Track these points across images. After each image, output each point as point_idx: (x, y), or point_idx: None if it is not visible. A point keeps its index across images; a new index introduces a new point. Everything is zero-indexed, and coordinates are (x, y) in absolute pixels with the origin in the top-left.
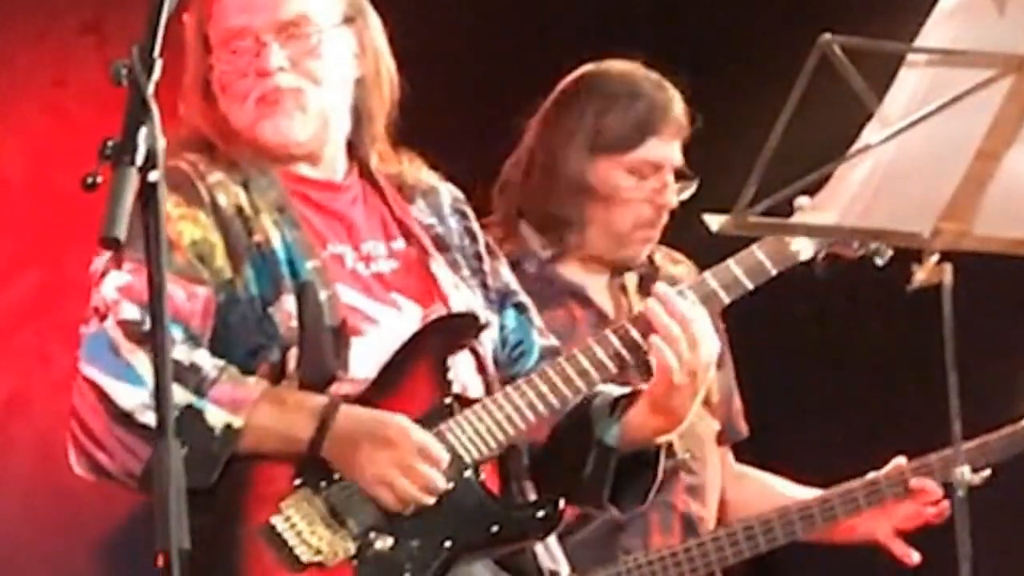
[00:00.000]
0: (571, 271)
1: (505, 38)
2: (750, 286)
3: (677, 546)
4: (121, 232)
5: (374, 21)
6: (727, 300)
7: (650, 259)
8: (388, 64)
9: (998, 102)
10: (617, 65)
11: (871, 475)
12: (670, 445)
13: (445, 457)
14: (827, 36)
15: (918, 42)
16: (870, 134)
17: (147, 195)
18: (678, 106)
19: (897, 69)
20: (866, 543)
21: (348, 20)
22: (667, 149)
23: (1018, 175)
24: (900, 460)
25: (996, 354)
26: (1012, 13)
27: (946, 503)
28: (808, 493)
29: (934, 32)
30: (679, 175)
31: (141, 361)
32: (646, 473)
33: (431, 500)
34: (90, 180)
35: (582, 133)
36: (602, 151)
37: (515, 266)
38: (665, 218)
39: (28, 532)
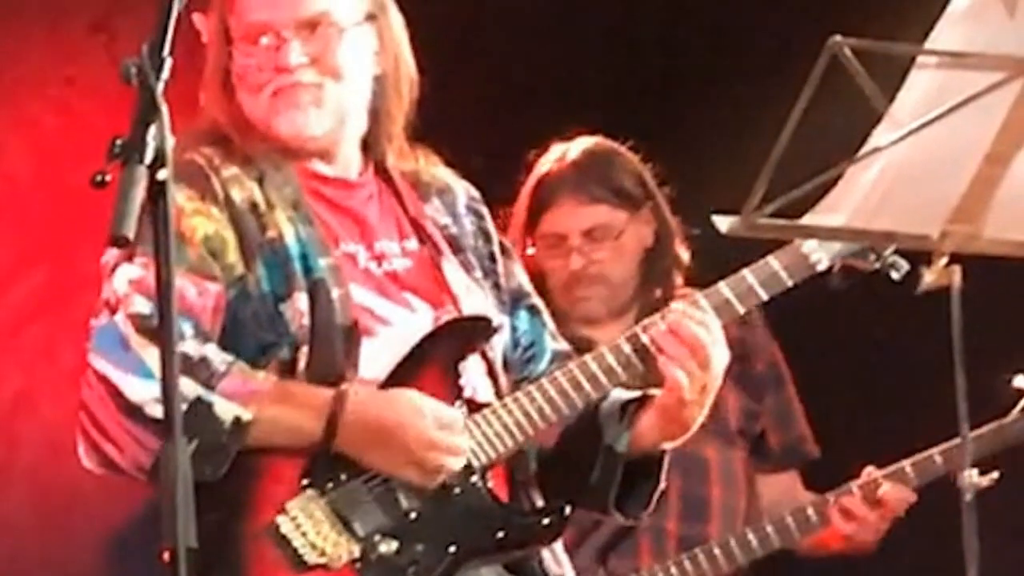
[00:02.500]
0: (583, 329)
1: (526, 40)
2: (764, 296)
3: (668, 562)
4: (130, 230)
5: (396, 18)
6: (741, 310)
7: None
8: (408, 62)
9: (1008, 105)
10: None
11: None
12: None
13: (459, 416)
14: (837, 38)
15: (928, 44)
16: (880, 136)
17: (156, 194)
18: (579, 175)
19: (907, 71)
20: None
21: (370, 17)
22: (563, 220)
23: None
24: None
25: (1005, 357)
26: (1022, 16)
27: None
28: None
29: (945, 34)
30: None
31: (151, 355)
32: (650, 478)
33: (461, 464)
34: (99, 178)
35: (517, 215)
36: (524, 230)
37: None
38: (594, 284)
39: (35, 528)
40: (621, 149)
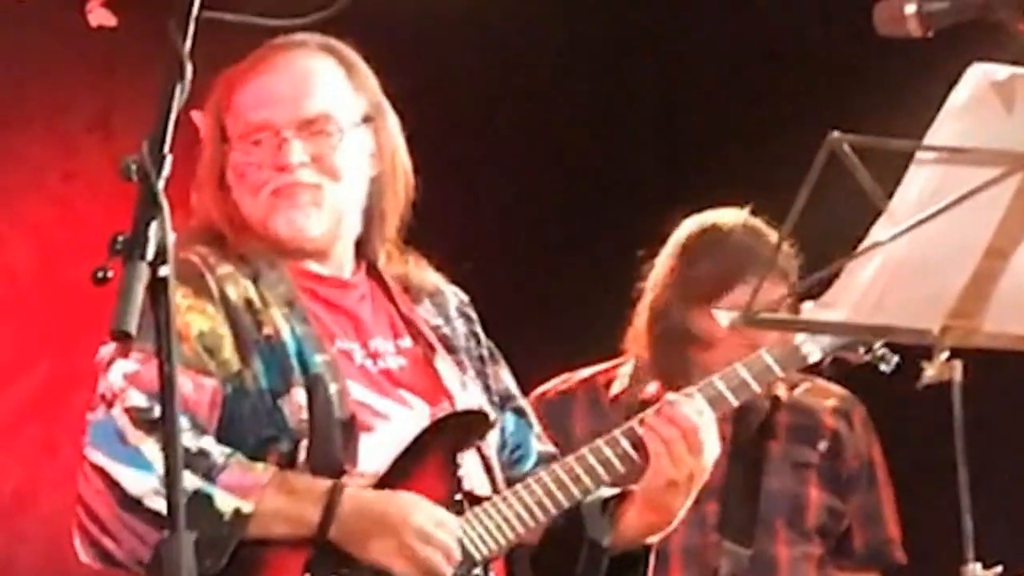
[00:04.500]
0: None
1: (521, 144)
2: (757, 389)
3: None
4: (132, 326)
5: (392, 120)
6: (735, 403)
7: (776, 397)
8: (404, 164)
9: (1007, 200)
10: (716, 216)
11: None
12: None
13: (453, 518)
14: (836, 134)
15: (927, 139)
16: (879, 231)
17: (157, 290)
18: (769, 251)
19: (907, 166)
20: None
21: (367, 119)
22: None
23: None
24: None
25: (1007, 450)
26: (1020, 111)
27: None
28: None
29: (943, 129)
30: None
31: (149, 447)
32: (635, 572)
33: (450, 570)
34: (100, 274)
35: (678, 285)
36: (695, 301)
37: (615, 400)
38: None
39: None
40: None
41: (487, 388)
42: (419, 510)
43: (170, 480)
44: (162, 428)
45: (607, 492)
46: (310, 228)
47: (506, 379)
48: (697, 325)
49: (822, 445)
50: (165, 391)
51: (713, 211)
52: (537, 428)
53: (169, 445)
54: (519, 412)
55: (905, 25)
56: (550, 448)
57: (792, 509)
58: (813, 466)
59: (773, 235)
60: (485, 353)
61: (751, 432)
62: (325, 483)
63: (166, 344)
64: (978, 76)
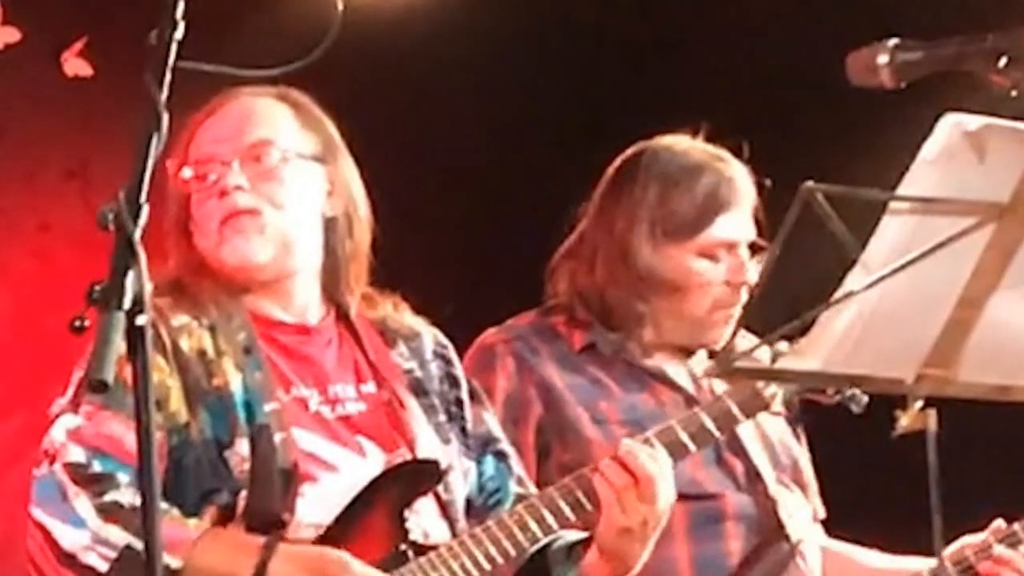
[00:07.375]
0: (644, 357)
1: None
2: (718, 435)
3: None
4: (109, 375)
5: (349, 165)
6: (694, 449)
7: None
8: (361, 208)
9: (980, 250)
10: (674, 141)
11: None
12: None
13: None
14: (809, 184)
15: (900, 190)
16: (853, 281)
17: (134, 339)
18: (743, 177)
19: (880, 216)
20: None
21: (318, 159)
22: (738, 224)
23: (1000, 321)
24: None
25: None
26: (992, 161)
27: None
28: (903, 563)
29: (916, 180)
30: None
31: (83, 503)
32: None
33: None
34: (78, 323)
35: (645, 220)
36: (670, 238)
37: (590, 348)
38: (744, 295)
39: None
40: None
41: (464, 431)
42: (349, 570)
43: (148, 541)
44: (139, 481)
45: (573, 536)
46: (254, 254)
47: (489, 421)
48: (672, 267)
49: None
50: (142, 440)
51: (666, 137)
52: (518, 471)
53: (146, 499)
54: (500, 455)
55: (878, 76)
56: (531, 491)
57: None
58: None
59: (734, 159)
60: (464, 395)
61: None
62: (258, 540)
63: (144, 393)
64: (950, 126)
